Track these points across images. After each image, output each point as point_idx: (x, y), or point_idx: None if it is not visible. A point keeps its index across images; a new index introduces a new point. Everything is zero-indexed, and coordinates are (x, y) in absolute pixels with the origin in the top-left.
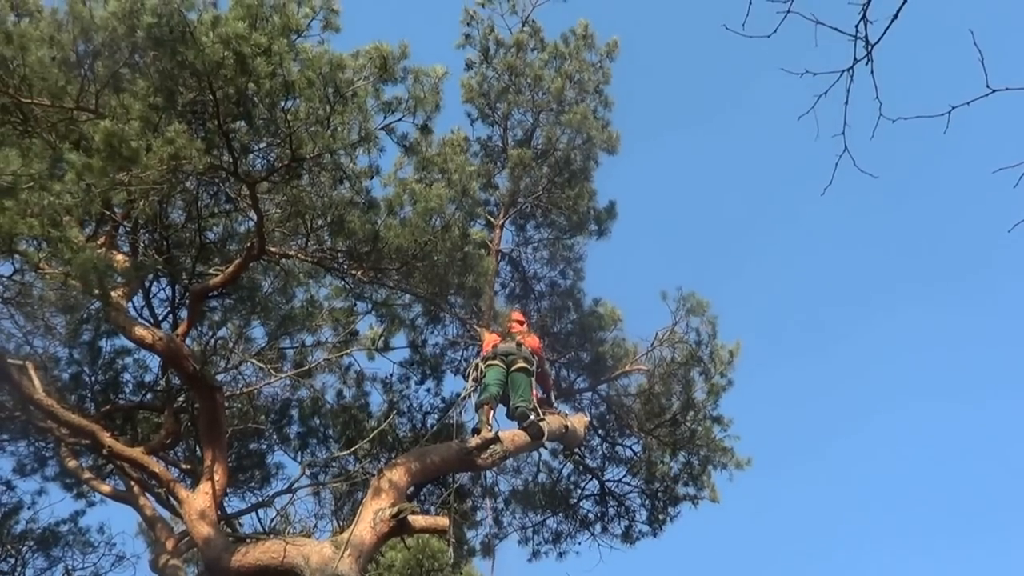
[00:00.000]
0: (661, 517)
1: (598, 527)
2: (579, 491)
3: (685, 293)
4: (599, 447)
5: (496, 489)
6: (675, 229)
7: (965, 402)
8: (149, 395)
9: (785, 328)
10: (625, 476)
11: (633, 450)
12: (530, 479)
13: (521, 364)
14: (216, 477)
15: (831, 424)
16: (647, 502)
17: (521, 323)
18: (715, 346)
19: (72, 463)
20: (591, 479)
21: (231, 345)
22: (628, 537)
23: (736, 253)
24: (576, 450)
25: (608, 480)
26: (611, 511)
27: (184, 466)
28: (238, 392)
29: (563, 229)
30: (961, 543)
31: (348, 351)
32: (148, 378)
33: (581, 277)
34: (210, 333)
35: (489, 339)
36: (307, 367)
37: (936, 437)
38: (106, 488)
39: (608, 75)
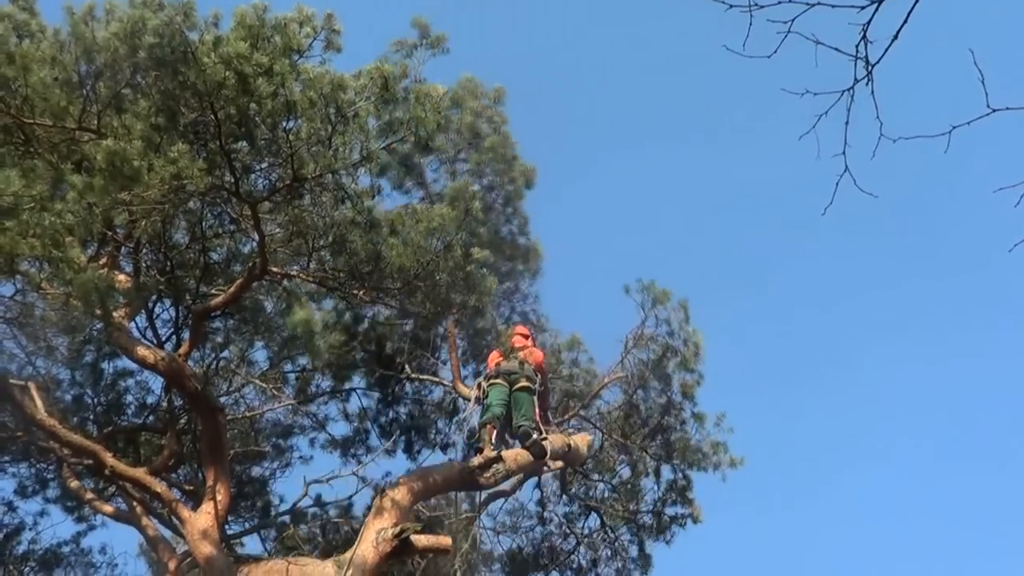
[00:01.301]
0: (648, 553)
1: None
2: (571, 535)
3: (646, 283)
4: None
5: (493, 554)
6: (669, 250)
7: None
8: (151, 417)
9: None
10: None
11: (612, 484)
12: (522, 541)
13: (524, 383)
14: (218, 497)
15: (829, 457)
16: (634, 537)
17: (526, 337)
18: (688, 332)
19: (74, 484)
20: (583, 519)
21: (233, 366)
22: None
23: (734, 278)
24: (578, 469)
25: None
26: (605, 553)
27: (187, 487)
28: (240, 416)
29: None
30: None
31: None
32: (150, 399)
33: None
34: (212, 354)
35: (492, 356)
36: (309, 393)
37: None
38: (108, 509)
39: (503, 119)
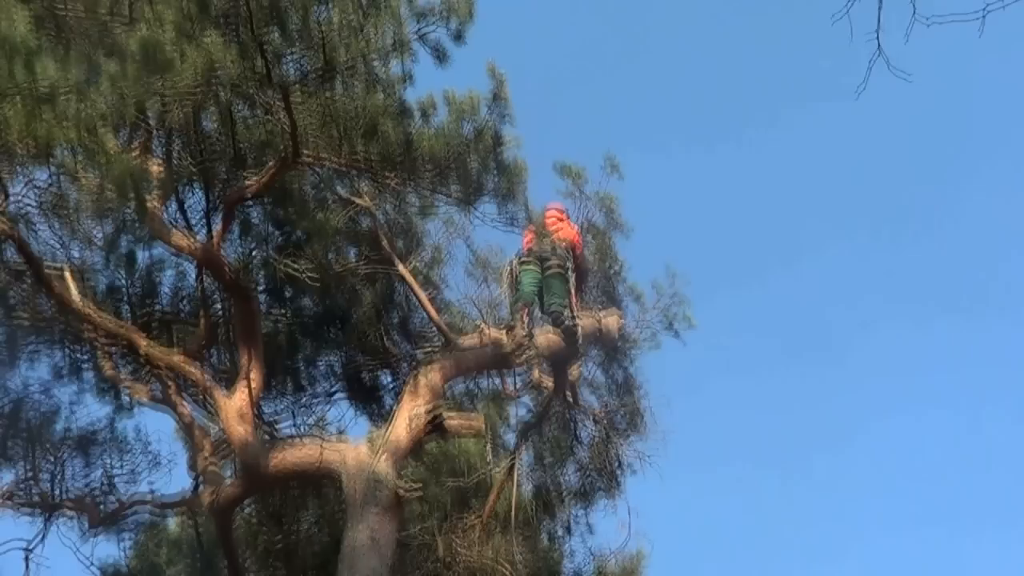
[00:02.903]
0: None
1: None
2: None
3: (562, 163)
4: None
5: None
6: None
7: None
8: (185, 305)
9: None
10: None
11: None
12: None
13: (556, 265)
14: (252, 380)
15: (828, 428)
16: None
17: (561, 217)
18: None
19: (109, 369)
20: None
21: (267, 252)
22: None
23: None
24: (608, 351)
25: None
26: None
27: (221, 372)
28: (274, 310)
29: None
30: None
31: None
32: (185, 287)
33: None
34: (246, 243)
35: (525, 237)
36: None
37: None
38: (143, 393)
39: None
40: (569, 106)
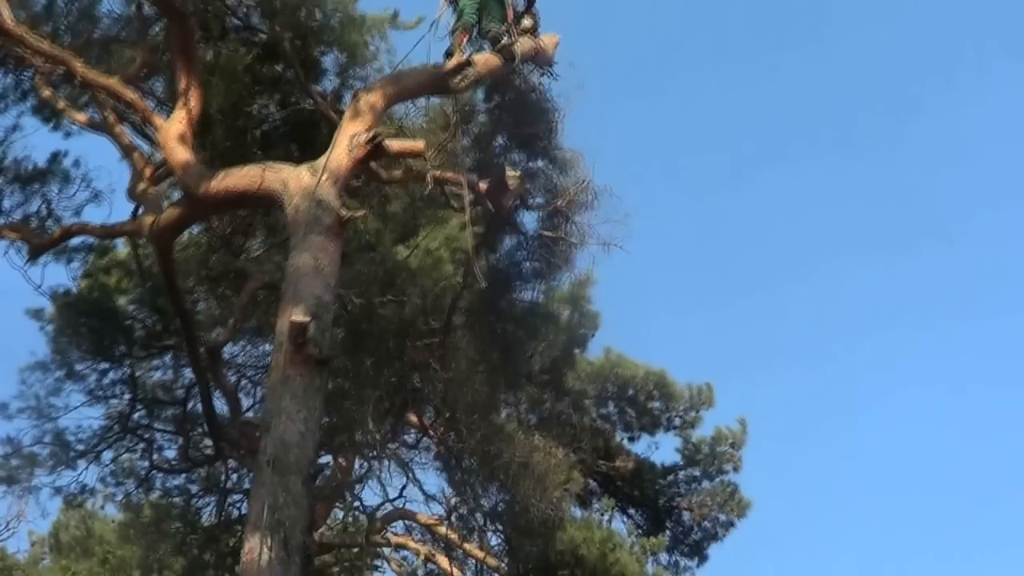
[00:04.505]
0: None
1: None
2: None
3: None
4: None
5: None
6: None
7: None
8: (123, 28)
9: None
10: None
11: None
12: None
13: None
14: (191, 103)
15: None
16: None
17: None
18: None
19: (47, 93)
20: None
21: None
22: None
23: None
24: (545, 70)
25: None
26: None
27: (161, 104)
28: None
29: None
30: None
31: None
32: (122, 9)
33: None
34: None
35: None
36: None
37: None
38: (82, 118)
39: None
40: None
